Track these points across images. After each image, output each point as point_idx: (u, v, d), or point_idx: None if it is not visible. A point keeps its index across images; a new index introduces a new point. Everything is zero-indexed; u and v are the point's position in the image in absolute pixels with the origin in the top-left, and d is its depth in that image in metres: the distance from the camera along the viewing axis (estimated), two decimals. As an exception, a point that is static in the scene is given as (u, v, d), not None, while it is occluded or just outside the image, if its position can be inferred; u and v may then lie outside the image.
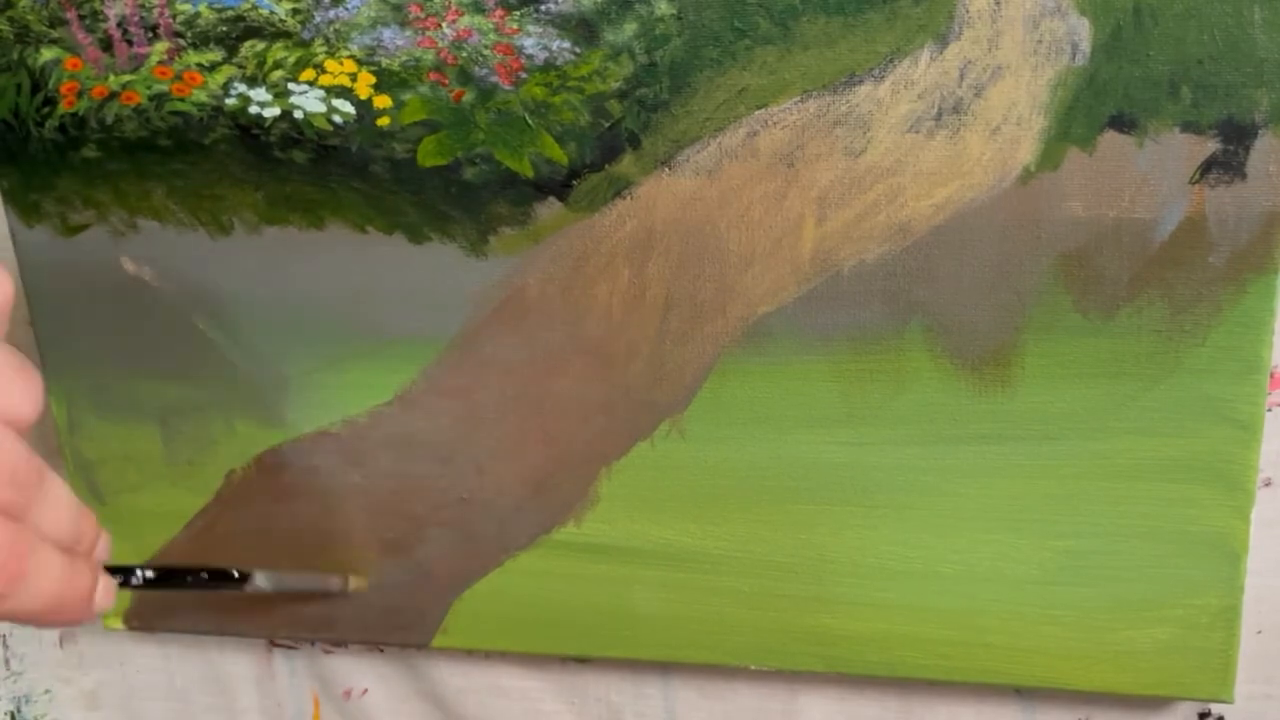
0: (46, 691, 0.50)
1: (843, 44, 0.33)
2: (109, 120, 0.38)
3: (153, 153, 0.39)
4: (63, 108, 0.38)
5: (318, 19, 0.35)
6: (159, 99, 0.38)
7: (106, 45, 0.37)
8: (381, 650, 0.46)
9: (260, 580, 0.37)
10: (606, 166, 0.35)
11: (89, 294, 0.41)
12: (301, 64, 0.36)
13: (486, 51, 0.35)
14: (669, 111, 0.34)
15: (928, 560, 0.37)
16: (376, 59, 0.35)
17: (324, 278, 0.39)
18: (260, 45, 0.36)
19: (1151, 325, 0.34)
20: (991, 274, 0.34)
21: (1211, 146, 0.32)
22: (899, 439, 0.36)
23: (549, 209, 0.36)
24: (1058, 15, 0.32)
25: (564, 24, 0.34)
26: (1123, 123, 0.32)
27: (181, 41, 0.37)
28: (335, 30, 0.35)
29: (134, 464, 0.43)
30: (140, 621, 0.45)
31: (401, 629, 0.43)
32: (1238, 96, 0.31)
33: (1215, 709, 0.39)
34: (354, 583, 0.41)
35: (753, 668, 0.40)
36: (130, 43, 0.37)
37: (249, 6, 0.36)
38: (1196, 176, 0.32)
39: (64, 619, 0.24)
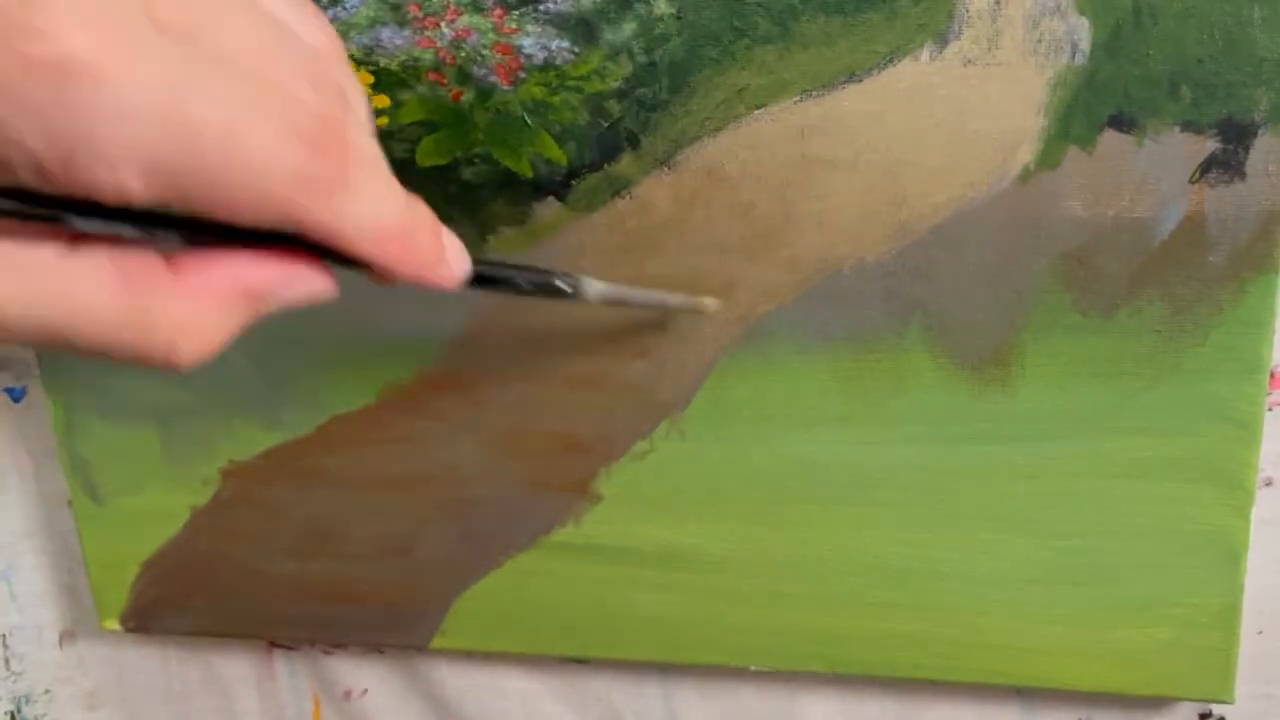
0: (46, 692, 0.50)
1: (842, 43, 0.33)
2: (107, 120, 0.38)
3: (151, 153, 0.38)
4: (60, 108, 0.38)
5: (316, 19, 0.35)
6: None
7: (104, 45, 0.37)
8: (381, 651, 0.46)
9: (590, 291, 0.29)
10: (605, 166, 0.35)
11: (87, 294, 0.41)
12: (300, 64, 0.36)
13: (485, 51, 0.35)
14: (668, 111, 0.34)
15: (927, 559, 0.37)
16: (374, 58, 0.35)
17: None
18: (258, 45, 0.36)
19: (1151, 325, 0.34)
20: (991, 273, 0.34)
21: (1211, 145, 0.32)
22: (899, 438, 0.36)
23: (548, 209, 0.36)
24: (1057, 15, 0.32)
25: (563, 23, 0.34)
26: (1122, 122, 0.32)
27: (179, 41, 0.37)
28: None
29: (132, 464, 0.43)
30: (138, 623, 0.45)
31: (401, 629, 0.43)
32: (1237, 95, 0.31)
33: (1216, 709, 0.39)
34: (707, 302, 0.34)
35: (753, 668, 0.40)
36: (128, 43, 0.37)
37: (247, 6, 0.36)
38: (1196, 176, 0.32)
39: (420, 259, 0.22)
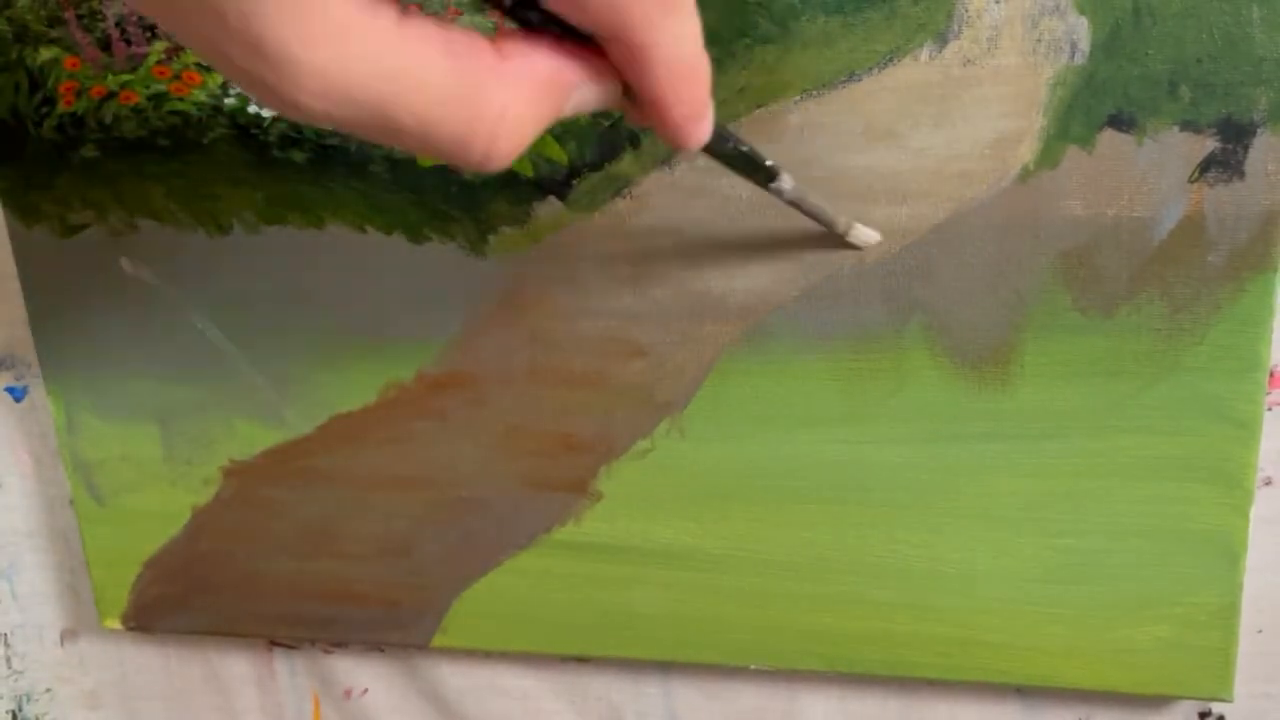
0: (47, 691, 0.50)
1: (842, 43, 0.33)
2: (108, 120, 0.38)
3: (152, 152, 0.39)
4: (61, 107, 0.38)
5: (317, 18, 0.35)
6: (158, 99, 0.38)
7: (105, 45, 0.37)
8: (381, 650, 0.46)
9: (785, 184, 0.32)
10: (606, 165, 0.35)
11: (88, 294, 0.41)
12: (301, 63, 0.36)
13: (486, 51, 0.35)
14: (668, 111, 0.34)
15: (927, 559, 0.37)
16: (376, 58, 0.35)
17: (324, 278, 0.39)
18: (259, 45, 0.36)
19: (1150, 323, 0.34)
20: (991, 272, 0.34)
21: (1210, 145, 0.32)
22: (898, 437, 0.36)
23: (549, 208, 0.36)
24: (1056, 14, 0.32)
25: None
26: (1122, 121, 0.32)
27: (181, 41, 0.37)
28: (334, 30, 0.35)
29: (133, 464, 0.43)
30: (139, 622, 0.45)
31: (401, 629, 0.43)
32: (1236, 95, 0.31)
33: (1216, 708, 0.39)
34: (862, 235, 0.35)
35: (753, 667, 0.40)
36: (129, 42, 0.37)
37: (248, 6, 0.36)
38: (1195, 175, 0.32)
39: (692, 107, 0.23)
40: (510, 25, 0.21)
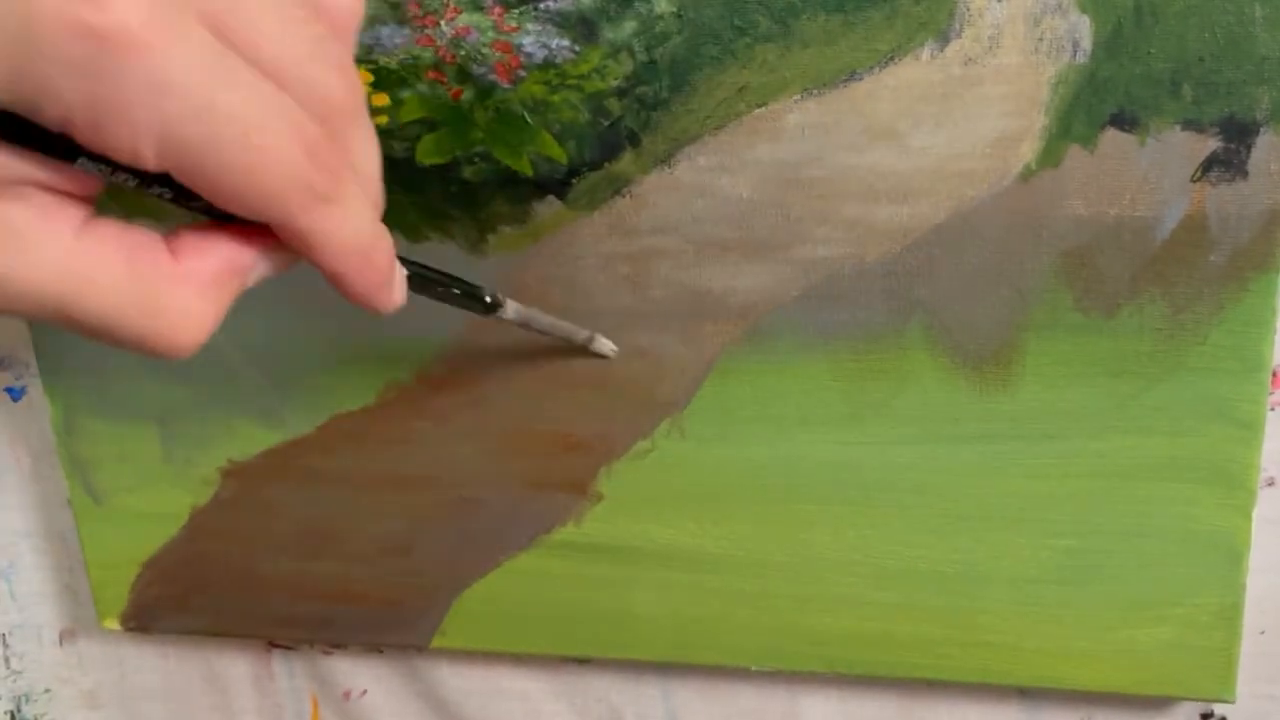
0: (46, 691, 0.50)
1: (843, 42, 0.33)
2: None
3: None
4: (60, 107, 0.38)
5: (316, 17, 0.35)
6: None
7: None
8: (381, 651, 0.46)
9: (510, 311, 0.33)
10: (606, 165, 0.35)
11: (87, 294, 0.41)
12: (300, 62, 0.36)
13: (485, 49, 0.35)
14: (669, 110, 0.34)
15: (928, 559, 0.37)
16: (374, 57, 0.35)
17: (324, 277, 0.39)
18: (258, 44, 0.36)
19: (1152, 324, 0.34)
20: (992, 272, 0.34)
21: (1213, 144, 0.32)
22: (899, 438, 0.36)
23: (548, 207, 0.36)
24: (1058, 13, 0.32)
25: (563, 22, 0.34)
26: (1124, 120, 0.32)
27: (179, 40, 0.36)
28: (334, 28, 0.35)
29: (131, 464, 0.43)
30: (138, 623, 0.45)
31: (400, 629, 0.43)
32: (1239, 94, 0.31)
33: (1218, 709, 0.39)
34: (606, 346, 0.37)
35: (753, 668, 0.40)
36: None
37: (247, 5, 0.36)
38: (1198, 174, 0.32)
39: (372, 280, 0.23)
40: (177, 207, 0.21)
